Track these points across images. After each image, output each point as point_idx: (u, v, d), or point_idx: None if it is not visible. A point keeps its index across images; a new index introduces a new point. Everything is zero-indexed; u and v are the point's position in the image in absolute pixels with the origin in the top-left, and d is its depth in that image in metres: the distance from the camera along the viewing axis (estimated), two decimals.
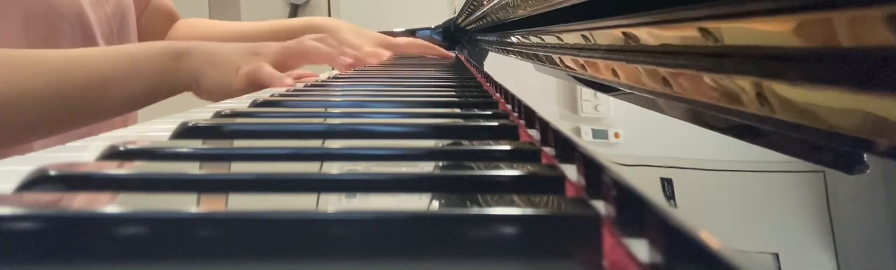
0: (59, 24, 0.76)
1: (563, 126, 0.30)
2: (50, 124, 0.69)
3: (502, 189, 0.24)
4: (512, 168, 0.25)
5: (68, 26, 0.77)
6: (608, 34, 0.37)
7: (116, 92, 0.72)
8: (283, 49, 0.83)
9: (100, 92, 0.70)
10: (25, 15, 0.73)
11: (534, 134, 0.36)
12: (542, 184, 0.24)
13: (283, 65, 0.83)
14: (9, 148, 0.72)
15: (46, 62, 0.67)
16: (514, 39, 0.85)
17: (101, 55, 0.72)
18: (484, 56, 1.27)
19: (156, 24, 1.09)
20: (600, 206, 0.21)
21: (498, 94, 0.59)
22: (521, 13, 0.72)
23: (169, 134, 0.36)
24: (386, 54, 1.13)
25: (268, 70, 0.76)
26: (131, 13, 0.92)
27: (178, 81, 0.75)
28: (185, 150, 0.29)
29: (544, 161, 0.29)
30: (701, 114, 0.30)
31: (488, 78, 0.75)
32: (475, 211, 0.19)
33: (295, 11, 3.40)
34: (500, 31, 1.04)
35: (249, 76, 0.75)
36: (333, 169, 0.25)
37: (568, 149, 0.27)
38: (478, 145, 0.31)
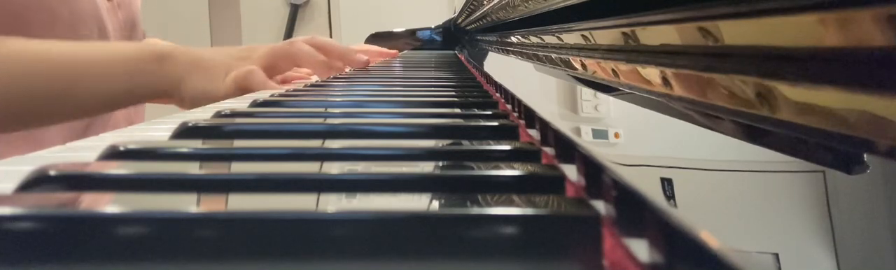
0: (81, 30, 0.76)
1: (563, 126, 0.30)
2: (16, 117, 0.66)
3: (502, 189, 0.24)
4: (512, 168, 0.25)
5: (88, 32, 0.77)
6: (608, 34, 0.37)
7: (87, 90, 0.69)
8: (272, 51, 0.83)
9: (67, 88, 0.67)
10: (50, 19, 0.72)
11: (534, 134, 0.36)
12: (542, 184, 0.24)
13: (272, 67, 0.82)
14: (12, 151, 0.72)
15: (17, 53, 0.65)
16: (514, 39, 0.85)
17: (76, 51, 0.69)
18: (484, 56, 1.27)
19: None
20: (600, 206, 0.21)
21: (498, 94, 0.59)
22: (522, 13, 0.72)
23: (169, 134, 0.36)
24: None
25: (259, 76, 0.74)
26: (139, 23, 0.91)
27: (158, 84, 0.72)
28: (184, 150, 0.29)
29: (544, 161, 0.29)
30: (700, 114, 0.30)
31: (488, 78, 0.75)
32: (475, 211, 0.19)
33: (295, 11, 3.40)
34: (500, 31, 1.04)
35: (239, 81, 0.73)
36: (333, 169, 0.25)
37: (568, 149, 0.27)
38: (478, 145, 0.31)
